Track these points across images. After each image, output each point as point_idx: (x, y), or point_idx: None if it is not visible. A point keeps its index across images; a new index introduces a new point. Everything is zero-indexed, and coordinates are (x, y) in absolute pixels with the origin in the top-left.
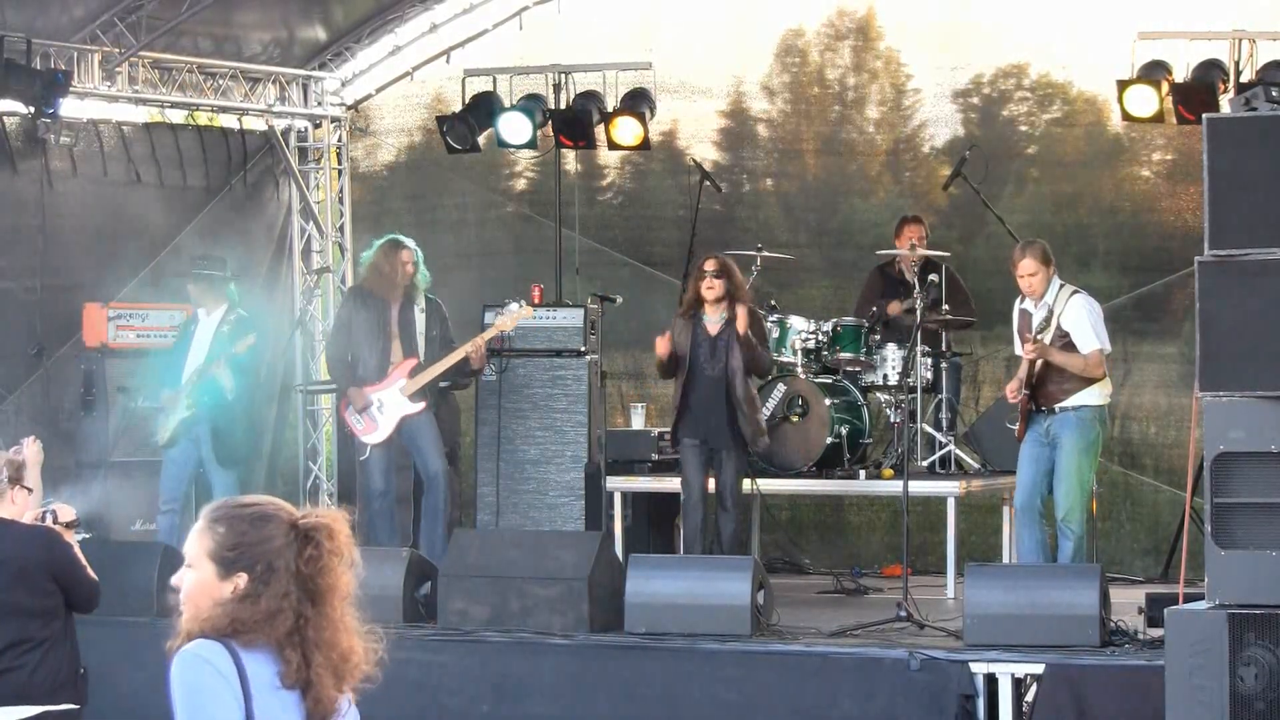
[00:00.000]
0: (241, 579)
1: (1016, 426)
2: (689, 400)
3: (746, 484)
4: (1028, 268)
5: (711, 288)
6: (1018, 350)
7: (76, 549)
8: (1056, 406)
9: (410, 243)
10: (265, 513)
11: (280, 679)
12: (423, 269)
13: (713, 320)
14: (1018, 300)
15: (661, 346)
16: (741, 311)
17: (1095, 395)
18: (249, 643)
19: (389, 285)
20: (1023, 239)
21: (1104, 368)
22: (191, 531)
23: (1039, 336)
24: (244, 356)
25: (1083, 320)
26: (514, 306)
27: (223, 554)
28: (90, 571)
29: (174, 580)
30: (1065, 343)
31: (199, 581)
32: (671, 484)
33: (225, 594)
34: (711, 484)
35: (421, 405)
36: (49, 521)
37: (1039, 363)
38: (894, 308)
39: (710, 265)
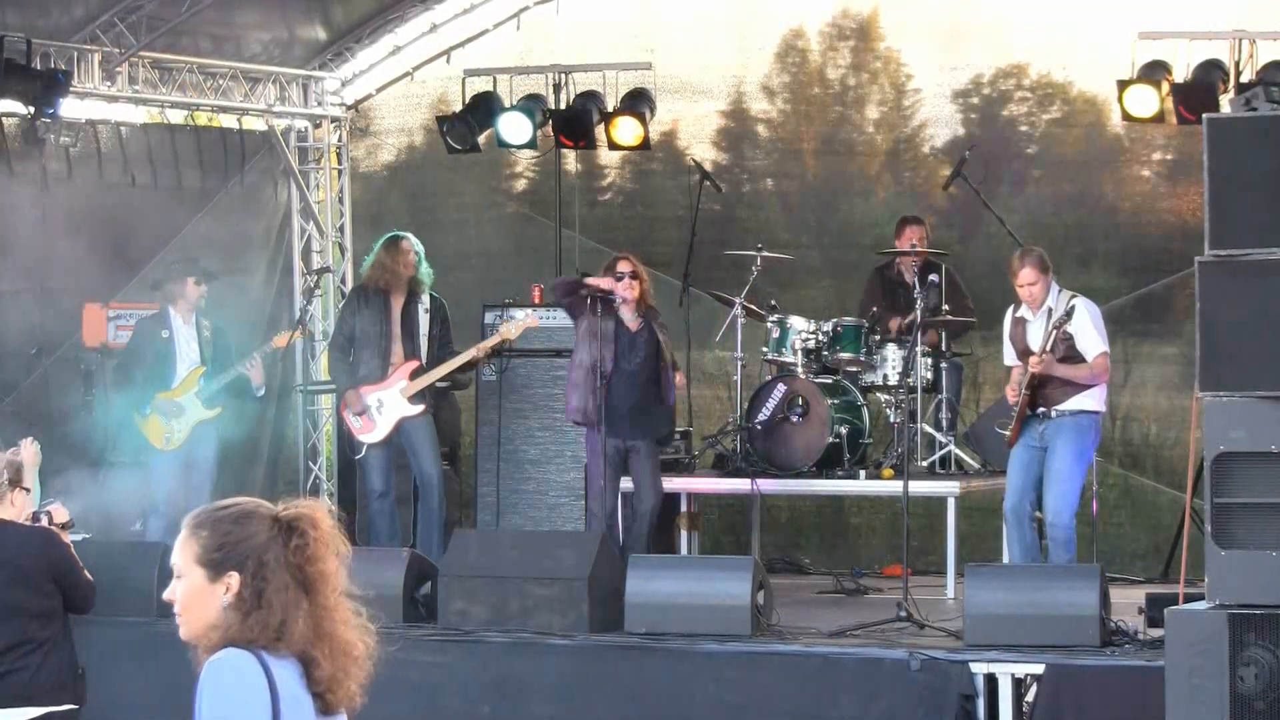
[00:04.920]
0: (233, 578)
1: (1008, 432)
2: (609, 395)
3: (747, 484)
4: (1027, 277)
5: (631, 289)
6: (1008, 360)
7: (71, 550)
8: (1054, 410)
9: (409, 235)
10: (245, 510)
11: (306, 683)
12: (425, 264)
13: (629, 316)
14: (1010, 309)
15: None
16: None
17: (1094, 400)
18: (276, 651)
19: (393, 277)
20: (1020, 247)
21: (1109, 371)
22: (176, 544)
23: (1048, 347)
24: (275, 353)
25: (1087, 325)
26: (520, 315)
27: (209, 556)
28: (86, 573)
29: (166, 594)
30: (1068, 347)
31: (191, 588)
32: (672, 483)
33: (220, 596)
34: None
35: (420, 408)
36: (44, 522)
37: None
38: (894, 325)
39: (626, 267)
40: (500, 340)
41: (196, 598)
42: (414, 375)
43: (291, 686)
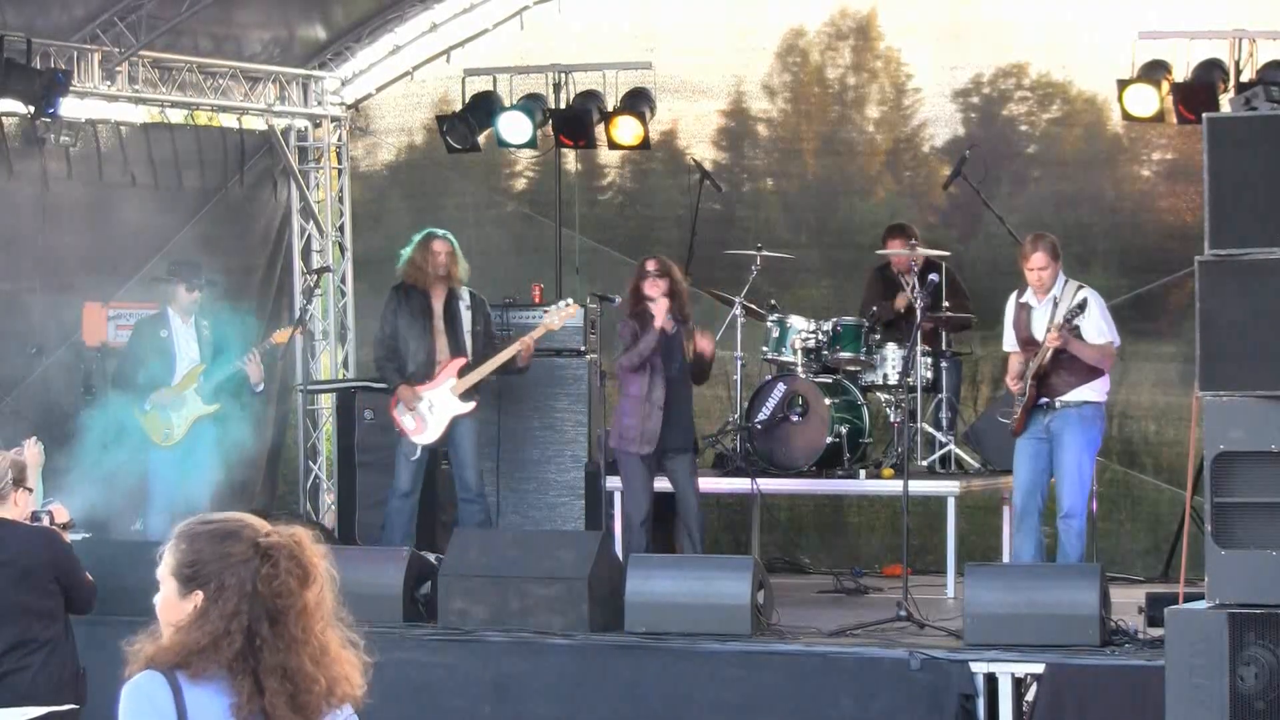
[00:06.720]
0: (198, 597)
1: (1014, 420)
2: (651, 404)
3: (746, 483)
4: (1038, 261)
5: (656, 285)
6: (1008, 345)
7: (73, 550)
8: (1058, 400)
9: (442, 232)
10: (228, 529)
11: (233, 711)
12: (462, 259)
13: (663, 316)
14: (1014, 294)
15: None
16: (707, 340)
17: (1097, 391)
18: (198, 673)
19: (423, 276)
20: (1032, 233)
21: (1114, 360)
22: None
23: (1059, 327)
24: (275, 350)
25: (1094, 316)
26: (561, 304)
27: (182, 570)
28: (88, 574)
29: (155, 599)
30: (1073, 333)
31: (164, 599)
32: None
33: (185, 612)
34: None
35: (472, 405)
36: (45, 522)
37: (1048, 355)
38: (900, 300)
39: (653, 265)
40: (544, 331)
41: (168, 608)
42: (462, 372)
43: (215, 711)
